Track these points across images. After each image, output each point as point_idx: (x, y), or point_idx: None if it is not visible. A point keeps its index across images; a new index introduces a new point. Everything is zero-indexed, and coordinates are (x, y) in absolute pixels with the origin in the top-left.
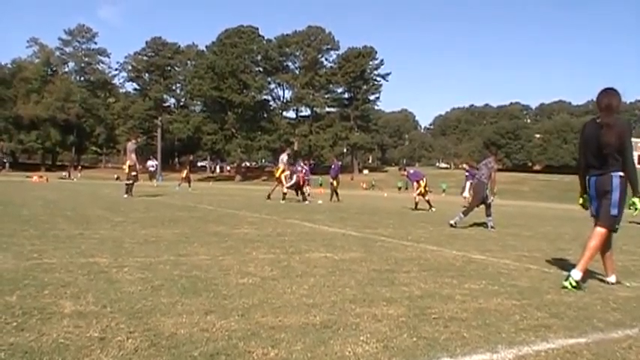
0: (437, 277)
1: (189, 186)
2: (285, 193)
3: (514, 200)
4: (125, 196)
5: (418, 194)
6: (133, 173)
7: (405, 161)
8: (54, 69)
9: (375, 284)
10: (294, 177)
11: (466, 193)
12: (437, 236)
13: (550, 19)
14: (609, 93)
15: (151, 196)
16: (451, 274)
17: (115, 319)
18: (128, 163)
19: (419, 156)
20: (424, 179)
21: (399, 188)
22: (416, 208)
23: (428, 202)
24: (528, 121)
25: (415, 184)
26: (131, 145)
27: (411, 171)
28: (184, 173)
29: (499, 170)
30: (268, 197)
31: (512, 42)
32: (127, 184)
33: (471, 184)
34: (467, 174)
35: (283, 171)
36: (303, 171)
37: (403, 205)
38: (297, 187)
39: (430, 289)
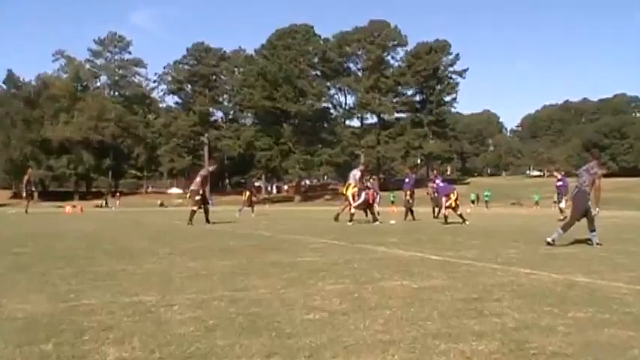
0: (534, 305)
1: (253, 211)
2: (352, 214)
3: (622, 210)
4: (188, 224)
5: (448, 207)
6: (197, 197)
7: (489, 170)
8: (84, 84)
9: (460, 316)
10: (363, 195)
11: (563, 204)
12: (531, 257)
13: None
14: None
15: (199, 224)
16: (551, 302)
17: None
18: (191, 187)
19: (505, 163)
20: (454, 192)
21: (472, 202)
22: (446, 222)
23: (460, 215)
24: (638, 115)
25: (444, 198)
26: (203, 170)
27: (441, 184)
28: (246, 196)
29: (604, 176)
30: (336, 219)
31: (612, 24)
32: (192, 211)
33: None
34: (559, 183)
35: (353, 188)
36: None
37: (439, 221)
38: (367, 206)
39: (527, 319)
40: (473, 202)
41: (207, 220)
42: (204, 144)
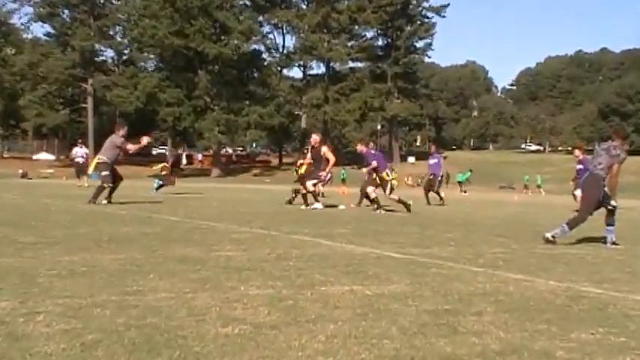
0: (525, 321)
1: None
2: (316, 194)
3: None
4: (89, 202)
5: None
6: (105, 172)
7: (472, 142)
8: None
9: (428, 333)
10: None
11: (579, 192)
12: (524, 258)
13: None
14: None
15: (79, 202)
16: (548, 318)
17: None
18: (100, 158)
19: (494, 133)
20: (389, 170)
21: (460, 183)
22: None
23: (399, 200)
24: None
25: (373, 173)
26: (116, 139)
27: (372, 151)
28: (165, 166)
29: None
30: (290, 202)
31: None
32: (108, 188)
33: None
34: (580, 166)
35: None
36: None
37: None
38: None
39: (515, 340)
40: (460, 182)
41: (109, 200)
42: (87, 93)
